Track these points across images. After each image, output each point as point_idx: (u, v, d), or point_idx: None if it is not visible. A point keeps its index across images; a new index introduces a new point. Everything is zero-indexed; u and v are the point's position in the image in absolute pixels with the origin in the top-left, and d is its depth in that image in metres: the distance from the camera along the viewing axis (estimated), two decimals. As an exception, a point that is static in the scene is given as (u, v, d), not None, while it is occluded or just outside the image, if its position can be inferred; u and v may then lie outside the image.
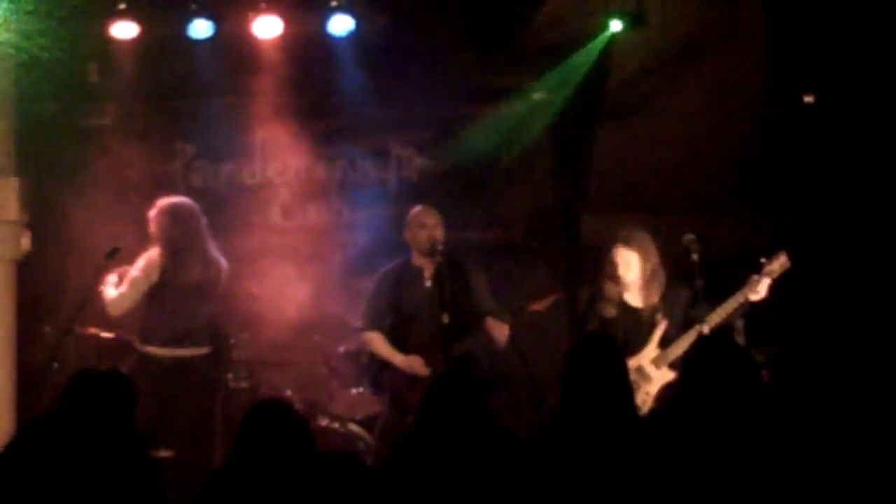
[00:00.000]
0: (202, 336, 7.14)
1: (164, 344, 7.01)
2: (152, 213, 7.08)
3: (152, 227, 7.07)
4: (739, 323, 6.77)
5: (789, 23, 8.08)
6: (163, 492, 4.05)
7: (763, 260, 6.58)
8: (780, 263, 6.57)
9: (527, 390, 7.13)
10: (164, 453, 6.95)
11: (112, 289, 7.02)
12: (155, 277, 6.98)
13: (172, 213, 7.07)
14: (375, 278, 7.14)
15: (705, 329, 6.49)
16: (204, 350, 7.16)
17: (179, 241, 7.02)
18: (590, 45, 8.36)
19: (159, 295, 7.00)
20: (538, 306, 7.06)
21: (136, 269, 6.99)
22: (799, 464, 4.25)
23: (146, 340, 7.03)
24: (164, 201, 7.11)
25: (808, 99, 8.39)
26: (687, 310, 6.66)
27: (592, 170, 8.70)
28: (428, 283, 6.99)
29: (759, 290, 6.54)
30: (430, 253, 6.91)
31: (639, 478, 4.19)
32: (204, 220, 7.16)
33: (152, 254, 7.01)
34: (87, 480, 3.85)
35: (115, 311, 7.01)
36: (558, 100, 8.64)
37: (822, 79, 8.26)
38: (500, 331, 6.87)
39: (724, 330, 6.42)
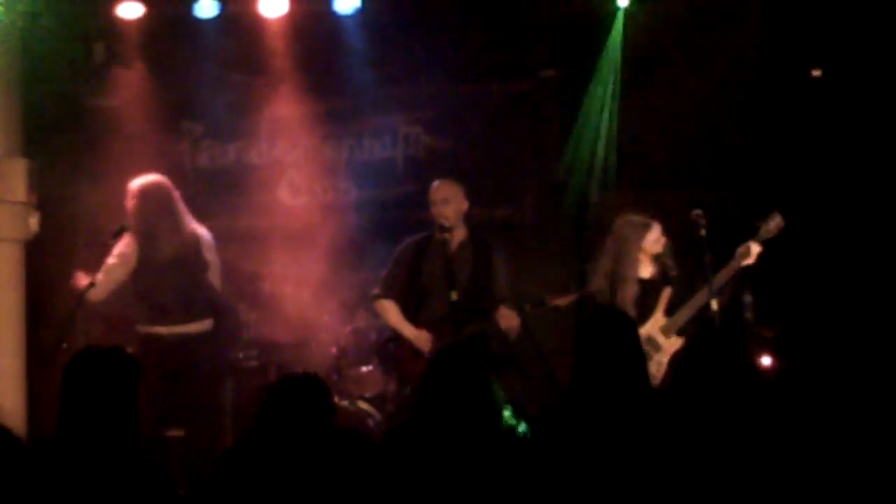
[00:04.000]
0: (199, 309, 7.15)
1: (163, 322, 7.03)
2: (127, 196, 7.10)
3: (127, 210, 7.09)
4: (748, 299, 6.82)
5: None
6: (166, 472, 4.06)
7: (759, 222, 6.63)
8: (775, 223, 6.65)
9: (537, 370, 7.16)
10: (175, 433, 6.99)
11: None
12: (133, 263, 6.99)
13: (140, 193, 7.07)
14: (398, 248, 7.14)
15: (714, 303, 6.53)
16: (205, 324, 7.17)
17: (150, 220, 7.02)
18: (610, 26, 8.31)
19: (143, 276, 7.02)
20: (560, 302, 7.07)
21: (113, 255, 7.01)
22: (807, 443, 4.25)
23: (144, 322, 7.06)
24: (133, 183, 7.11)
25: (816, 73, 8.36)
26: (689, 278, 6.73)
27: (601, 146, 8.67)
28: (448, 259, 6.95)
29: (755, 252, 6.60)
30: (438, 229, 6.92)
31: (653, 452, 4.19)
32: (176, 195, 7.15)
33: (127, 241, 7.02)
34: (90, 460, 3.87)
35: (93, 298, 7.03)
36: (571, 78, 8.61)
37: (830, 52, 8.22)
38: (510, 322, 6.86)
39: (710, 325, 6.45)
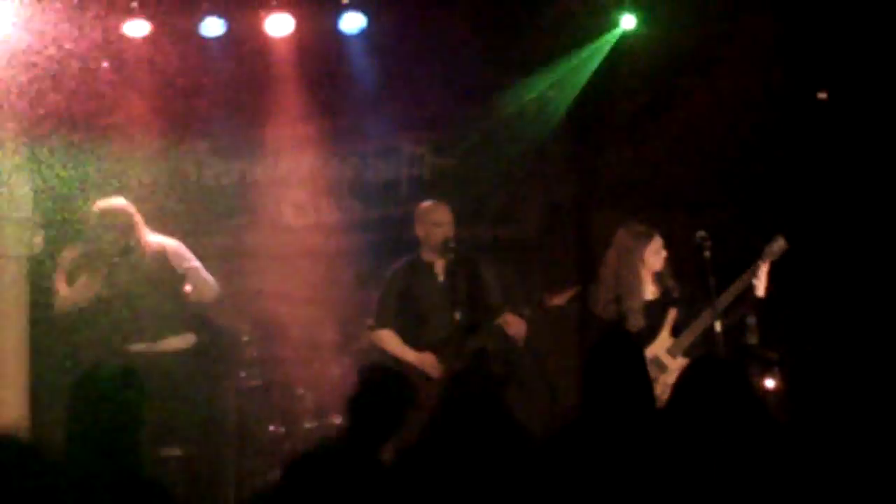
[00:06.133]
0: (177, 324, 7.13)
1: (142, 340, 7.01)
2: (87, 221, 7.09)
3: (88, 233, 7.08)
4: (752, 320, 6.82)
5: (801, 17, 8.05)
6: (168, 493, 4.05)
7: (762, 245, 6.68)
8: (778, 246, 6.70)
9: (538, 387, 7.16)
10: (171, 452, 6.97)
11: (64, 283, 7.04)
12: (106, 290, 6.95)
13: (101, 218, 7.05)
14: (386, 276, 7.15)
15: (718, 325, 6.54)
16: (185, 339, 7.16)
17: (114, 244, 6.97)
18: (601, 41, 8.33)
19: (116, 298, 6.99)
20: (558, 300, 7.07)
21: (91, 275, 6.98)
22: (810, 465, 4.25)
23: (127, 340, 7.03)
24: (95, 207, 7.09)
25: (822, 96, 8.36)
26: (693, 299, 6.75)
27: (605, 166, 8.68)
28: (440, 280, 7.00)
29: (760, 274, 6.63)
30: (443, 251, 6.92)
31: (659, 476, 4.18)
32: (137, 218, 7.11)
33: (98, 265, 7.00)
34: (95, 478, 3.87)
35: (61, 307, 7.04)
36: (568, 96, 8.61)
37: (836, 75, 8.23)
38: (517, 327, 6.87)
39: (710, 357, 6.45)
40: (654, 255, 6.92)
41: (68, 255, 7.13)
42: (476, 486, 4.22)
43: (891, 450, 5.33)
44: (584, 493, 4.20)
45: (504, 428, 4.45)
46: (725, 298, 6.67)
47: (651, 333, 6.78)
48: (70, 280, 7.07)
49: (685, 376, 4.43)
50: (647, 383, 4.56)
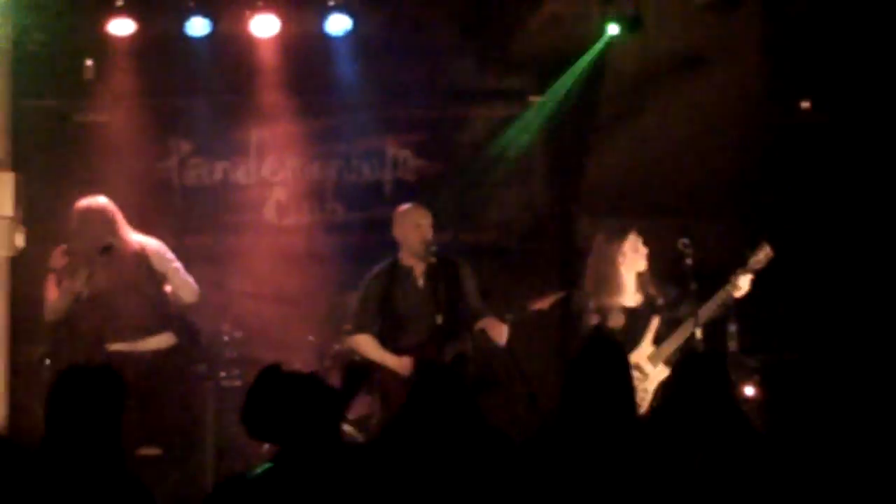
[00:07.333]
0: (156, 325, 7.11)
1: (121, 340, 6.99)
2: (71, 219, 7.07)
3: (71, 232, 7.05)
4: (732, 327, 6.83)
5: (787, 27, 8.08)
6: (149, 493, 4.03)
7: (747, 253, 6.64)
8: (764, 254, 6.66)
9: (519, 391, 7.16)
10: (149, 451, 6.94)
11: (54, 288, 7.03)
12: (86, 289, 6.93)
13: (83, 217, 7.02)
14: (364, 280, 7.10)
15: (698, 331, 6.55)
16: (163, 338, 7.14)
17: (95, 243, 6.92)
18: (589, 51, 8.35)
19: (97, 297, 6.96)
20: (541, 305, 7.05)
21: (71, 276, 6.96)
22: (794, 468, 4.26)
23: (107, 340, 7.01)
24: (77, 205, 7.05)
25: (805, 104, 8.39)
26: (675, 307, 6.74)
27: (587, 172, 8.69)
28: (420, 283, 6.97)
29: (744, 283, 6.59)
30: (424, 254, 6.89)
31: (638, 482, 4.18)
32: (119, 217, 7.07)
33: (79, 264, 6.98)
34: (75, 478, 3.85)
35: (49, 317, 7.03)
36: (555, 103, 8.63)
37: (819, 84, 8.26)
38: (498, 331, 6.82)
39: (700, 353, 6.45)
40: (634, 252, 6.87)
41: (59, 257, 7.09)
42: (447, 486, 4.21)
43: (870, 457, 5.35)
44: (561, 497, 4.20)
45: (475, 428, 4.43)
46: (708, 308, 6.65)
47: (633, 341, 6.76)
48: (59, 284, 7.04)
49: (668, 382, 4.44)
50: (630, 388, 4.55)
